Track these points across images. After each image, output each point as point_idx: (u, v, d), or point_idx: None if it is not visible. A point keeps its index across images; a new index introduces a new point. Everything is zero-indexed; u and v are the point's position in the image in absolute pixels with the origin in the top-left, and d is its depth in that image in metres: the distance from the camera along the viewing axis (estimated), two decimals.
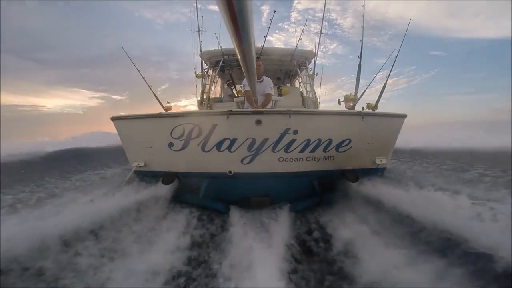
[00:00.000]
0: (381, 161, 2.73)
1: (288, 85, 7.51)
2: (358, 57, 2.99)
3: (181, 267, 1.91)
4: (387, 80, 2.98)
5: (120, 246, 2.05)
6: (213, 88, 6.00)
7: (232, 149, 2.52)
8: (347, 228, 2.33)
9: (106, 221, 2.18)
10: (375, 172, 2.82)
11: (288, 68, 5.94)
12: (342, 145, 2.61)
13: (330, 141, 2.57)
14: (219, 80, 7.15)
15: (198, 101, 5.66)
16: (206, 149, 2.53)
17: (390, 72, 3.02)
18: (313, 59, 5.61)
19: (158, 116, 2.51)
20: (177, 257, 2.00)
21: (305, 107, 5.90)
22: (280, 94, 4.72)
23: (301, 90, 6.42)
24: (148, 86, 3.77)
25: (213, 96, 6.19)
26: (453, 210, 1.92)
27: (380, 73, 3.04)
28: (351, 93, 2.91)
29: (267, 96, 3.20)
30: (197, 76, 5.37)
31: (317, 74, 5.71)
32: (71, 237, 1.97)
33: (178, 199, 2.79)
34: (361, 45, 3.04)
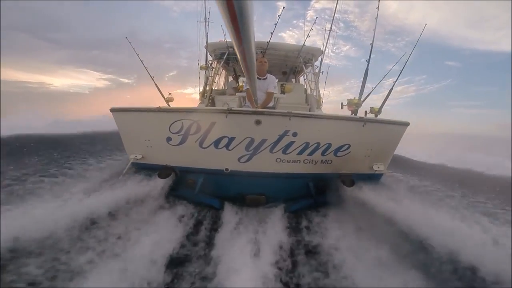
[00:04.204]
0: (378, 167, 2.71)
1: (293, 80, 7.44)
2: (366, 61, 2.92)
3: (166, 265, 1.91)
4: (393, 85, 2.92)
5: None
6: (216, 81, 5.94)
7: (230, 147, 2.52)
8: (336, 231, 2.40)
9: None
10: (372, 178, 2.81)
11: (294, 63, 5.86)
12: (341, 150, 2.59)
13: (329, 145, 2.56)
14: (223, 72, 7.07)
15: (200, 92, 5.62)
16: (204, 146, 2.53)
17: (397, 77, 2.96)
18: (320, 57, 5.51)
19: (157, 110, 2.49)
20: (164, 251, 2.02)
21: (307, 104, 5.86)
22: (283, 92, 4.66)
23: (305, 87, 6.36)
24: (151, 77, 3.72)
25: (216, 88, 6.15)
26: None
27: (390, 79, 2.98)
28: (355, 97, 2.85)
29: (269, 95, 3.14)
30: (201, 68, 5.30)
31: (322, 72, 5.62)
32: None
33: (174, 194, 2.81)
34: (371, 49, 2.96)
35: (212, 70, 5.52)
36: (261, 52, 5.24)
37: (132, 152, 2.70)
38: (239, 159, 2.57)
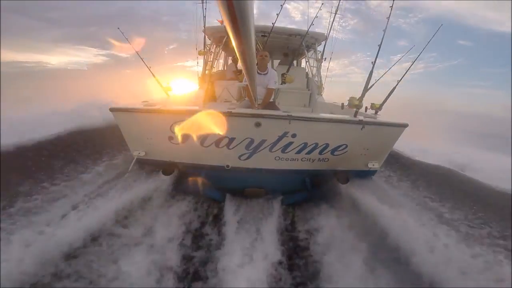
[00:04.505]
0: (373, 165, 2.78)
1: (295, 62, 7.19)
2: (372, 62, 2.78)
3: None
4: (397, 84, 2.83)
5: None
6: (215, 65, 5.75)
7: (231, 147, 2.57)
8: (327, 223, 2.59)
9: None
10: (366, 174, 2.90)
11: (296, 46, 5.65)
12: (338, 149, 2.64)
13: (327, 145, 2.60)
14: (222, 53, 6.80)
15: (199, 77, 5.47)
16: (205, 145, 2.57)
17: (404, 75, 2.87)
18: (324, 42, 5.26)
19: (158, 111, 2.48)
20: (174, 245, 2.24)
21: (308, 90, 5.75)
22: (284, 82, 4.53)
23: (306, 71, 6.17)
24: (147, 67, 3.61)
25: (215, 69, 5.96)
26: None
27: (398, 55, 2.88)
28: (356, 98, 2.78)
29: (269, 92, 3.10)
30: (199, 53, 5.08)
31: (325, 58, 5.40)
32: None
33: (178, 188, 2.92)
34: (378, 51, 2.76)
35: (211, 55, 5.32)
36: (262, 35, 5.02)
37: (135, 149, 2.74)
38: (239, 157, 2.64)
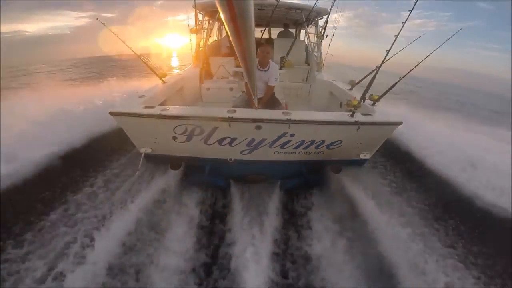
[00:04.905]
0: (365, 155, 2.90)
1: (294, 33, 6.72)
2: (377, 67, 2.62)
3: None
4: (398, 81, 2.73)
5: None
6: (209, 42, 5.37)
7: (233, 144, 2.68)
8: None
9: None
10: (358, 162, 3.07)
11: (296, 18, 5.25)
12: (333, 145, 2.75)
13: (323, 141, 2.71)
14: (216, 24, 6.29)
15: (193, 56, 5.16)
16: (209, 143, 2.67)
17: (408, 73, 2.75)
18: (326, 17, 4.85)
19: (159, 117, 2.43)
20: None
21: (308, 64, 5.51)
22: (283, 66, 4.32)
23: (306, 43, 5.82)
24: (137, 55, 3.34)
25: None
26: None
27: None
28: (355, 99, 2.68)
29: (269, 89, 3.03)
30: (191, 31, 4.69)
31: (327, 36, 5.04)
32: None
33: (186, 179, 3.13)
34: (385, 56, 2.63)
35: (204, 31, 4.92)
36: (258, 9, 4.60)
37: (142, 146, 2.79)
38: (241, 152, 2.79)
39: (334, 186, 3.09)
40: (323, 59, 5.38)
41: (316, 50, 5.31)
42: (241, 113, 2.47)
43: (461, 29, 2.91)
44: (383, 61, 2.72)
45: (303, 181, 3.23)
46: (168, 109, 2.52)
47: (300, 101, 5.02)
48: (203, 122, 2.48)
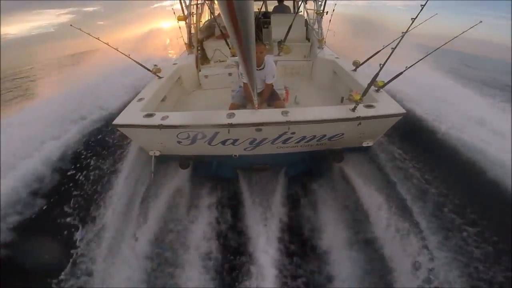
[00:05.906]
0: (368, 143, 2.86)
1: (291, 7, 6.23)
2: (380, 65, 2.43)
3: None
4: (404, 70, 2.55)
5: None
6: (200, 28, 5.03)
7: (236, 144, 2.73)
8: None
9: None
10: (360, 150, 3.03)
11: None
12: (335, 137, 2.73)
13: (324, 135, 2.70)
14: (206, 5, 5.85)
15: (186, 44, 4.89)
16: (213, 144, 2.72)
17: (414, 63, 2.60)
18: None
19: (160, 127, 2.46)
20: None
21: (308, 41, 5.20)
22: (281, 52, 4.07)
23: (305, 18, 5.42)
24: (126, 55, 3.19)
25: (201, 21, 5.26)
26: None
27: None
28: (357, 93, 2.53)
29: (267, 86, 2.94)
30: (179, 19, 4.36)
31: (327, 12, 4.65)
32: None
33: (196, 173, 3.33)
34: (389, 55, 2.47)
35: (193, 16, 4.58)
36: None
37: (150, 149, 2.88)
38: (244, 149, 2.85)
39: (336, 172, 3.28)
40: (325, 36, 5.04)
41: (316, 26, 4.95)
42: (240, 117, 2.43)
43: None
44: (402, 37, 2.52)
45: (307, 168, 3.33)
46: (168, 117, 2.52)
47: (302, 80, 4.80)
48: (204, 129, 2.50)
